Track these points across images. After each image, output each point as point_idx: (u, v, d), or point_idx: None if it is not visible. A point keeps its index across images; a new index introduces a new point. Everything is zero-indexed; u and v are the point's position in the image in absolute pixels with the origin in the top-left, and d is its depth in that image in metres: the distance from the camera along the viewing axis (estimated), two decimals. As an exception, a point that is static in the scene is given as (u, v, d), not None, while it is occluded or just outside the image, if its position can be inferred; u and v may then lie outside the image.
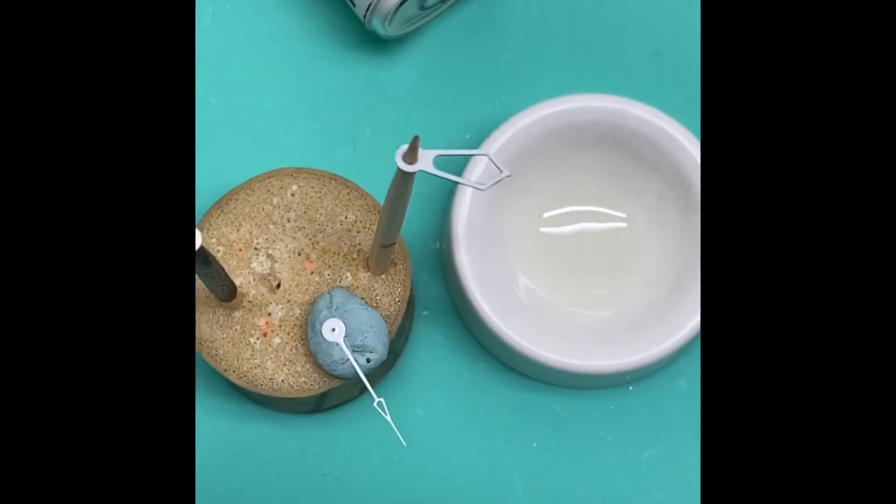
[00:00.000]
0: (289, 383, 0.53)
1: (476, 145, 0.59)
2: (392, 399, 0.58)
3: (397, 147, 0.60)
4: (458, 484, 0.58)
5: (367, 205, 0.55)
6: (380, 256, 0.52)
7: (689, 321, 0.56)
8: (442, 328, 0.59)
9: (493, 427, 0.58)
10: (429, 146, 0.61)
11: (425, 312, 0.60)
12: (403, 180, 0.45)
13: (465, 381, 0.59)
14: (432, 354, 0.59)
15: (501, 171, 0.43)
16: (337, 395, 0.56)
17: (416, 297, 0.60)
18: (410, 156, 0.43)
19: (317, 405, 0.57)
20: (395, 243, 0.51)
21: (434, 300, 0.60)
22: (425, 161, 0.43)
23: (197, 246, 0.42)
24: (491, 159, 0.43)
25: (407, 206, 0.48)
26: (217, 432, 0.58)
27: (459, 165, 0.59)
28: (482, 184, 0.43)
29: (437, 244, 0.60)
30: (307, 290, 0.54)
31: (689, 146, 0.57)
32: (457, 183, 0.42)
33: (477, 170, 0.57)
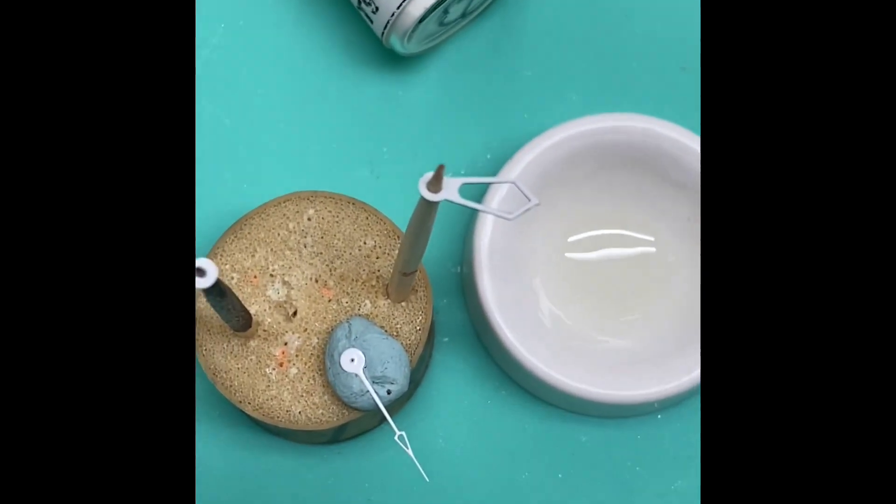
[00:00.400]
0: (306, 415, 0.52)
1: (497, 166, 0.57)
2: (412, 429, 0.57)
3: (416, 169, 0.59)
4: (481, 517, 0.56)
5: (385, 230, 0.53)
6: (401, 284, 0.51)
7: (720, 348, 0.54)
8: (463, 355, 0.58)
9: (516, 458, 0.57)
10: (448, 167, 0.59)
11: (446, 339, 0.58)
12: (427, 209, 0.43)
13: (487, 411, 0.57)
14: (453, 382, 0.57)
15: (529, 199, 0.41)
16: (356, 425, 0.54)
17: (437, 323, 0.58)
18: (435, 184, 0.41)
19: (335, 436, 0.55)
20: (416, 271, 0.50)
21: (455, 326, 0.58)
22: (450, 190, 0.41)
23: (212, 280, 0.40)
24: (518, 187, 0.41)
25: (430, 235, 0.46)
26: (232, 463, 0.56)
27: (481, 188, 0.57)
28: (509, 212, 0.41)
29: (458, 268, 0.58)
30: (325, 318, 0.52)
31: (719, 167, 0.55)
32: (484, 212, 0.40)
33: (499, 193, 0.55)
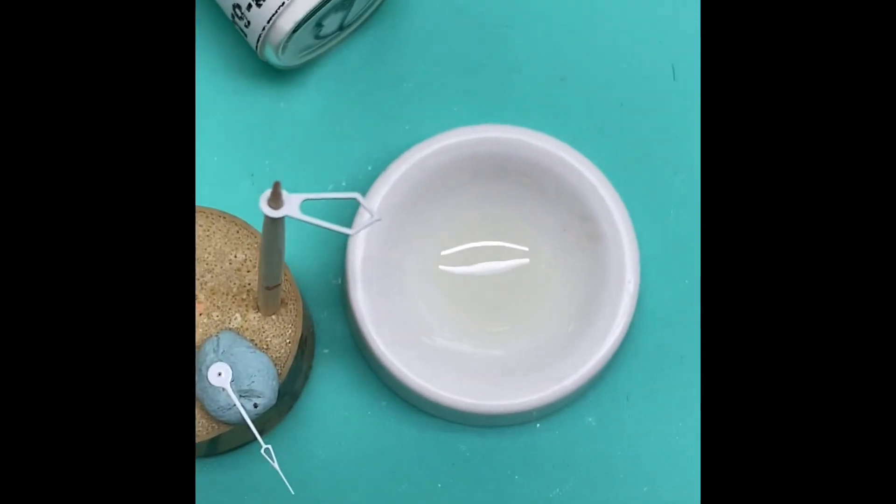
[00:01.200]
0: (176, 430, 0.52)
1: (377, 177, 0.57)
2: (291, 441, 0.57)
3: (298, 181, 0.59)
4: (361, 528, 0.56)
5: (256, 243, 0.53)
6: (266, 298, 0.51)
7: (593, 356, 0.54)
8: (344, 367, 0.58)
9: (396, 468, 0.57)
10: (330, 179, 0.59)
11: (326, 351, 0.58)
12: (272, 225, 0.43)
13: (367, 422, 0.57)
14: (334, 394, 0.57)
15: (372, 214, 0.42)
16: (231, 438, 0.55)
17: (317, 335, 0.58)
18: (274, 201, 0.41)
19: (209, 450, 0.55)
20: (279, 284, 0.50)
21: (336, 337, 0.58)
22: (292, 206, 0.41)
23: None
24: (360, 201, 0.42)
25: (283, 249, 0.46)
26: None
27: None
28: (350, 228, 0.42)
29: (339, 280, 0.58)
30: (195, 332, 0.52)
31: (589, 176, 0.55)
32: (327, 229, 0.41)
33: (374, 202, 0.55)
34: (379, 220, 0.41)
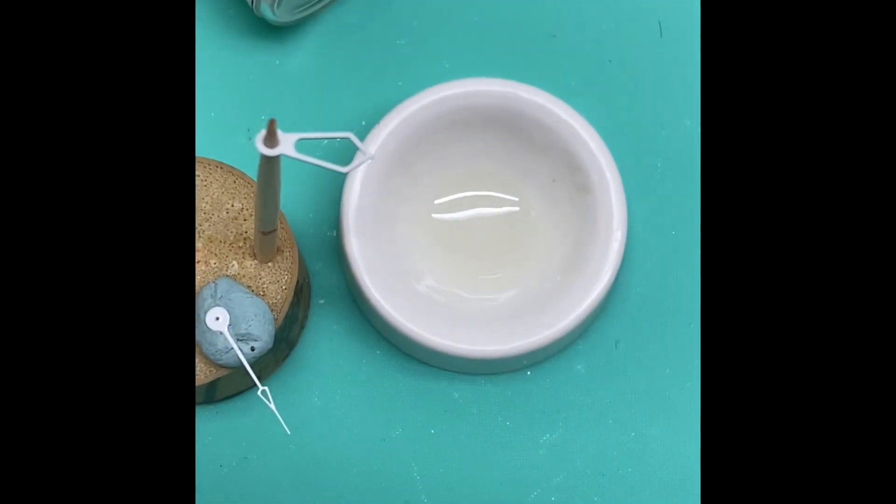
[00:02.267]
0: (175, 374, 0.53)
1: (370, 130, 0.58)
2: (288, 388, 0.58)
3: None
4: (356, 472, 0.57)
5: (252, 193, 0.54)
6: (262, 244, 0.52)
7: (580, 303, 0.56)
8: (339, 317, 0.59)
9: (390, 414, 0.58)
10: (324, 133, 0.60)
11: (322, 301, 0.59)
12: (268, 165, 0.44)
13: (362, 369, 0.59)
14: (329, 343, 0.59)
15: (364, 154, 0.43)
16: (229, 385, 0.56)
17: (313, 286, 0.59)
18: (270, 140, 0.42)
19: (208, 396, 0.57)
20: (275, 230, 0.51)
21: (331, 288, 0.59)
22: (286, 145, 0.43)
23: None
24: (352, 140, 0.43)
25: (279, 192, 0.47)
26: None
27: (352, 150, 0.59)
28: (343, 166, 0.43)
29: (334, 232, 0.60)
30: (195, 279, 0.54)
31: (578, 128, 0.57)
32: (320, 167, 0.42)
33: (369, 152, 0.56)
34: (372, 158, 0.43)
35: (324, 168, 0.42)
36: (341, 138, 0.42)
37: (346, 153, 0.59)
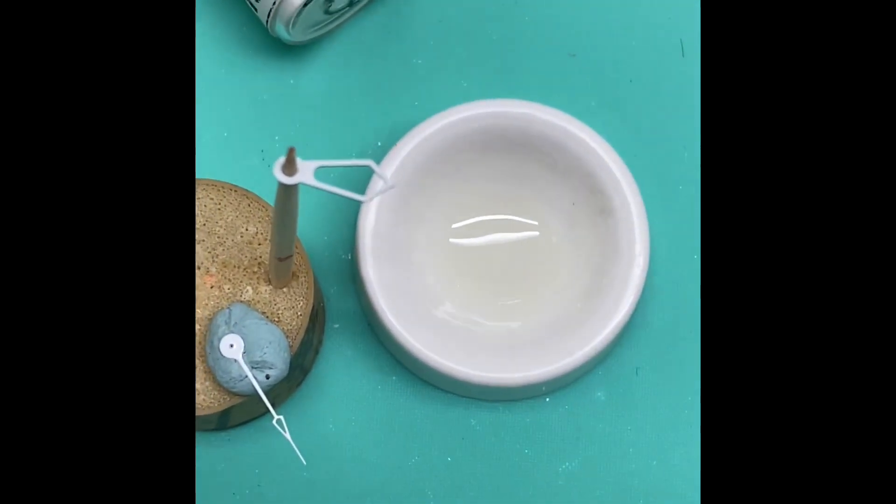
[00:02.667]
0: (188, 402, 0.52)
1: (387, 153, 0.57)
2: (302, 415, 0.57)
3: (307, 157, 0.59)
4: (371, 502, 0.56)
5: (268, 216, 0.53)
6: (278, 269, 0.51)
7: (601, 330, 0.55)
8: (354, 342, 0.58)
9: (406, 442, 0.57)
10: (340, 154, 0.59)
11: (336, 325, 0.58)
12: (286, 193, 0.43)
13: (377, 396, 0.57)
14: (344, 369, 0.58)
15: (386, 182, 0.42)
16: (242, 412, 0.55)
17: (328, 310, 0.58)
18: (289, 167, 0.41)
19: (221, 423, 0.55)
20: (291, 256, 0.50)
21: (346, 313, 0.58)
22: (305, 173, 0.41)
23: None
24: (374, 169, 0.42)
25: (296, 218, 0.46)
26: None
27: (368, 174, 0.57)
28: (364, 195, 0.42)
29: (349, 256, 0.58)
30: (207, 304, 0.52)
31: (599, 150, 0.56)
32: (340, 196, 0.41)
33: (390, 181, 0.55)
34: (393, 186, 0.41)
35: (343, 198, 0.41)
36: (361, 166, 0.40)
37: (362, 176, 0.58)
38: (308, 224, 0.58)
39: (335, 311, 0.58)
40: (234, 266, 0.53)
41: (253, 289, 0.53)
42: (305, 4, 0.55)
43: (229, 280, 0.53)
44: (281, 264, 0.50)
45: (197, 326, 0.52)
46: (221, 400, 0.52)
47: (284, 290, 0.53)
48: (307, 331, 0.53)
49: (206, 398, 0.52)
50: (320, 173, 0.43)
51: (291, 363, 0.52)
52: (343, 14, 0.59)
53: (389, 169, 0.55)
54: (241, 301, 0.52)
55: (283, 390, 0.56)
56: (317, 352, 0.57)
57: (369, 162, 0.42)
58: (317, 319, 0.55)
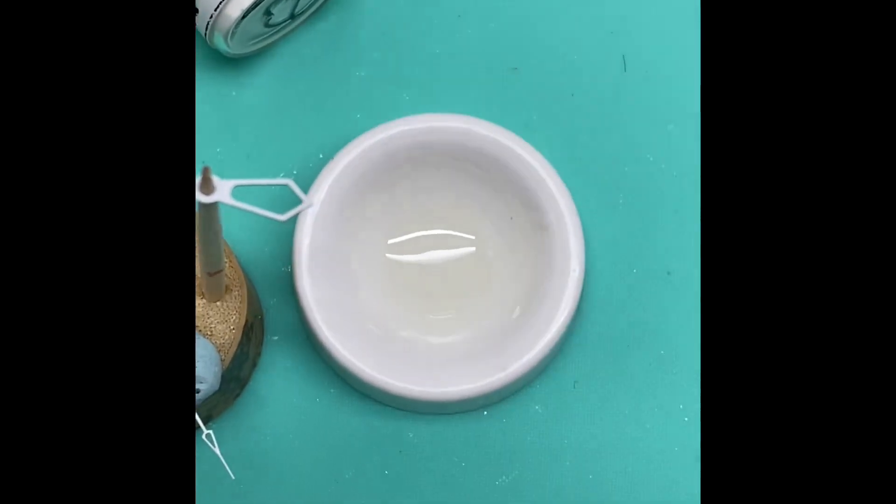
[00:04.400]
0: (120, 415, 0.52)
1: (325, 166, 0.57)
2: (239, 427, 0.57)
3: (249, 169, 0.60)
4: (308, 514, 0.56)
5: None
6: (209, 284, 0.51)
7: (536, 344, 0.55)
8: (293, 353, 0.58)
9: (343, 455, 0.57)
10: (281, 167, 0.59)
11: (276, 337, 0.58)
12: (206, 211, 0.43)
13: (315, 408, 0.58)
14: (282, 381, 0.58)
15: (303, 200, 0.42)
16: (178, 425, 0.55)
17: (267, 322, 0.58)
18: (206, 187, 0.41)
19: (156, 436, 0.55)
20: (222, 270, 0.50)
21: (286, 325, 0.58)
22: (223, 192, 0.42)
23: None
24: (292, 188, 0.42)
25: (220, 234, 0.46)
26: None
27: (303, 187, 0.58)
28: (281, 214, 0.42)
29: (288, 268, 0.59)
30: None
31: (536, 165, 0.56)
32: (257, 214, 0.41)
33: (321, 191, 0.56)
34: (310, 205, 0.42)
35: (260, 215, 0.41)
36: (280, 185, 0.40)
37: (304, 189, 0.58)
38: (248, 235, 0.58)
39: (274, 323, 0.58)
40: (168, 279, 0.53)
41: (186, 302, 0.53)
42: (243, 17, 0.55)
43: (163, 293, 0.53)
44: (211, 279, 0.50)
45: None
46: (153, 413, 0.52)
47: (218, 303, 0.53)
48: (241, 344, 0.53)
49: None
50: (244, 191, 0.43)
51: (225, 376, 0.52)
52: (285, 27, 0.59)
53: (326, 182, 0.56)
54: (175, 315, 0.52)
55: (219, 402, 0.56)
56: (255, 364, 0.58)
57: (288, 181, 0.42)
58: (253, 332, 0.56)
